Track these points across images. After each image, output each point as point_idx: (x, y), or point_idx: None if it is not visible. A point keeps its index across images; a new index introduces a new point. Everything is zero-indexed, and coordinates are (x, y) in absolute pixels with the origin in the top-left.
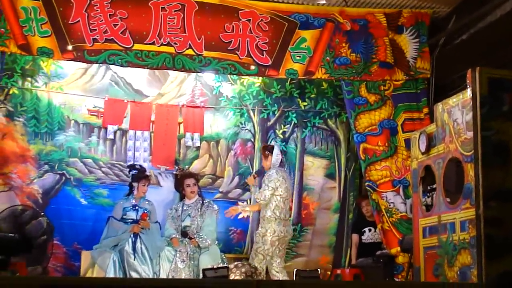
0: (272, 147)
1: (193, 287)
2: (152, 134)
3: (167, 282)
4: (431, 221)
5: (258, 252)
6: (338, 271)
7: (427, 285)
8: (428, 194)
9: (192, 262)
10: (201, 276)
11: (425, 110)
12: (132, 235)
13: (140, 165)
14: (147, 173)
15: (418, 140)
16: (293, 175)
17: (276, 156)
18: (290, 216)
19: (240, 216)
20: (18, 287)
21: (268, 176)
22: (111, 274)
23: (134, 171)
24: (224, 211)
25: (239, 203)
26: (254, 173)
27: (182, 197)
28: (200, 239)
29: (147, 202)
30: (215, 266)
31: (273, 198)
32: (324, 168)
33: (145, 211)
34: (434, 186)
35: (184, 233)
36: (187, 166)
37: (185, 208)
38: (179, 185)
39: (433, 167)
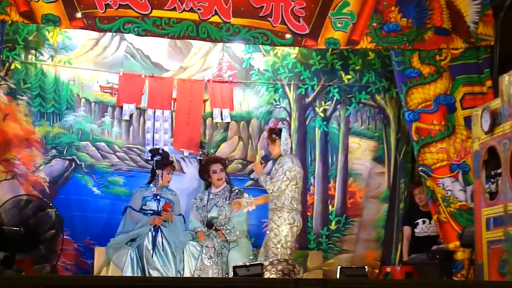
0: (280, 130)
1: (223, 287)
2: (173, 114)
3: (193, 281)
4: (496, 211)
5: (270, 246)
6: (388, 269)
7: (492, 285)
8: (492, 179)
9: (221, 258)
10: (231, 274)
11: (488, 83)
12: (152, 229)
13: (163, 150)
14: (171, 159)
15: (480, 117)
16: (335, 158)
17: (285, 140)
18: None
19: (245, 210)
20: None
21: (282, 165)
22: (128, 273)
23: (158, 157)
24: (230, 205)
25: (245, 195)
26: (260, 159)
27: (208, 185)
28: (227, 231)
29: (169, 192)
30: (247, 263)
31: (289, 189)
32: (372, 150)
33: (168, 201)
34: (499, 170)
35: (209, 224)
36: (213, 150)
37: (211, 197)
38: (204, 171)
39: (498, 149)
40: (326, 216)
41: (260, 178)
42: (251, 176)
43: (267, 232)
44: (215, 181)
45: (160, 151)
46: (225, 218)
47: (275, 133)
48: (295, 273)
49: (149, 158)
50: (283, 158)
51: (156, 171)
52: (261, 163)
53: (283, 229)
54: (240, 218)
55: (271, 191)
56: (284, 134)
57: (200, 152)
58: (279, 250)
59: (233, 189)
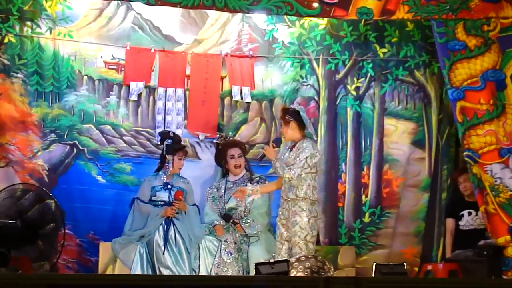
0: (296, 112)
1: (244, 286)
2: (187, 93)
3: (211, 280)
4: None
5: (296, 242)
6: (429, 267)
7: None
8: None
9: (241, 254)
10: (253, 272)
11: None
12: (164, 222)
13: (174, 133)
14: (183, 143)
15: None
16: (369, 142)
17: (309, 123)
18: None
19: (250, 199)
20: None
21: (303, 150)
22: (137, 271)
23: (168, 141)
24: (232, 193)
25: (248, 184)
26: (272, 142)
27: (226, 173)
28: (247, 224)
29: (181, 180)
30: (271, 260)
31: (309, 177)
32: (410, 133)
33: (179, 190)
34: None
35: (227, 217)
36: (231, 133)
37: (229, 186)
38: (221, 157)
39: None
40: (359, 207)
41: (275, 164)
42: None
43: (285, 226)
44: (232, 167)
45: (171, 134)
46: (245, 209)
47: (289, 113)
48: (325, 271)
49: (159, 143)
50: (303, 143)
51: (166, 156)
52: (273, 147)
53: (307, 222)
54: (261, 209)
55: (289, 179)
56: (302, 115)
57: (218, 135)
58: (303, 245)
59: (253, 177)
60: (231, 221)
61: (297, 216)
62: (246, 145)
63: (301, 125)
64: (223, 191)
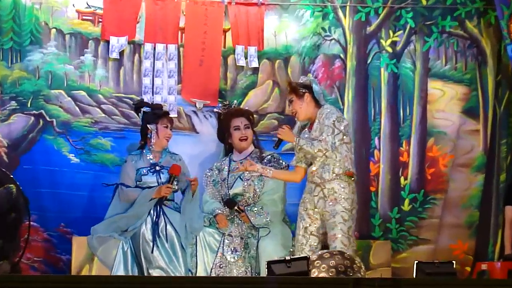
0: (307, 86)
1: None
2: (181, 50)
3: (211, 282)
4: None
5: (337, 236)
6: (484, 266)
7: None
8: None
9: (248, 251)
10: (264, 272)
11: None
12: (153, 211)
13: (153, 103)
14: (175, 111)
15: None
16: (409, 111)
17: (322, 96)
18: None
19: (256, 181)
20: None
21: (325, 115)
22: (120, 272)
23: (146, 109)
24: (234, 167)
25: (258, 165)
26: (285, 125)
27: (229, 150)
28: (253, 212)
29: (171, 157)
30: (287, 258)
31: (344, 148)
32: (461, 99)
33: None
34: None
35: (230, 203)
36: (237, 101)
37: (233, 166)
38: (223, 130)
39: None
40: (397, 192)
41: (299, 143)
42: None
43: (313, 217)
44: (237, 141)
45: (148, 101)
46: (254, 196)
47: (301, 86)
48: (354, 270)
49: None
50: (323, 109)
51: (148, 126)
52: (288, 127)
53: (350, 210)
54: (274, 194)
55: (323, 152)
56: (315, 88)
57: (220, 103)
58: (346, 239)
59: (264, 155)
60: (235, 208)
61: (337, 204)
62: (254, 115)
63: (316, 100)
64: (226, 173)
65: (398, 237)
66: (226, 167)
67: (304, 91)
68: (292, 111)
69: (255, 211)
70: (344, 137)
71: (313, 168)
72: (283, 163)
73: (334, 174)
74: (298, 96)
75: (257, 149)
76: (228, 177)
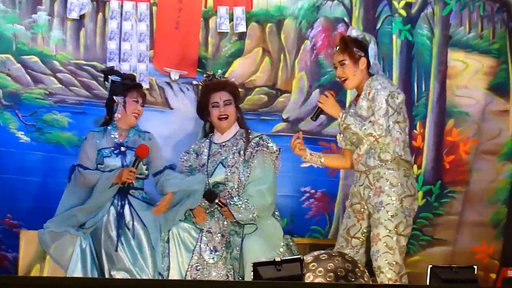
0: (364, 46)
1: None
2: (154, 9)
3: (185, 285)
4: None
5: (381, 235)
6: (511, 272)
7: None
8: None
9: (231, 252)
10: (249, 276)
11: None
12: (117, 201)
13: (124, 73)
14: (147, 82)
15: None
16: (426, 86)
17: (374, 56)
18: None
19: (304, 165)
20: None
21: (379, 90)
22: (77, 274)
23: (115, 78)
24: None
25: (270, 145)
26: (328, 91)
27: (210, 131)
28: (237, 207)
29: (141, 136)
30: (276, 259)
31: (396, 129)
32: (487, 74)
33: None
34: None
35: (210, 195)
36: (221, 71)
37: (214, 150)
38: (203, 106)
39: None
40: None
41: (345, 121)
42: (285, 115)
43: (360, 214)
44: (216, 121)
45: (118, 69)
46: (238, 186)
47: (359, 45)
48: (356, 275)
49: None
50: (372, 81)
51: (115, 98)
52: (332, 95)
53: (399, 203)
54: (262, 185)
55: (376, 136)
56: (372, 49)
57: (203, 76)
58: (392, 241)
59: (251, 136)
60: (216, 201)
61: (382, 194)
62: (240, 89)
63: (369, 63)
64: (205, 157)
65: (410, 237)
66: (205, 151)
67: (361, 54)
68: (341, 76)
69: (238, 205)
70: (399, 116)
71: (359, 151)
72: (274, 147)
73: (379, 160)
74: (353, 60)
75: (244, 130)
76: (208, 162)
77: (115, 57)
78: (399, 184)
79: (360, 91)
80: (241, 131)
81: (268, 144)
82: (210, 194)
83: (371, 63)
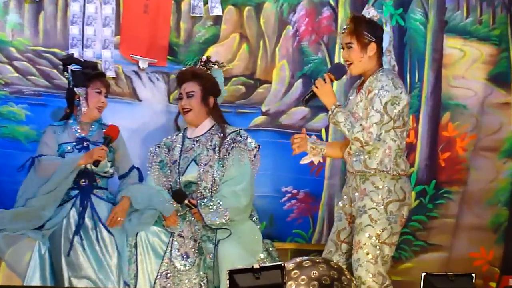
0: (377, 30)
1: None
2: None
3: None
4: None
5: (363, 243)
6: None
7: None
8: None
9: (203, 258)
10: (224, 285)
11: None
12: (79, 201)
13: (84, 60)
14: (112, 70)
15: None
16: (419, 76)
17: (389, 42)
18: None
19: (304, 161)
20: None
21: (379, 92)
22: (35, 282)
23: (75, 66)
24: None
25: (249, 141)
26: (329, 72)
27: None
28: (208, 209)
29: (104, 130)
30: (255, 266)
31: (391, 136)
32: (486, 63)
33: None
34: None
35: (178, 195)
36: (194, 59)
37: (187, 145)
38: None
39: None
40: None
41: (336, 116)
42: (265, 108)
43: (350, 216)
44: (182, 114)
45: (79, 58)
46: (212, 185)
47: (371, 27)
48: (343, 284)
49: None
50: (377, 79)
51: (76, 90)
52: (331, 79)
53: (384, 209)
54: (237, 185)
55: (363, 144)
56: (388, 33)
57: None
58: (373, 249)
59: (227, 131)
60: (186, 202)
61: (367, 198)
62: (213, 76)
63: (381, 50)
64: (178, 153)
65: (400, 242)
66: (178, 146)
67: (371, 39)
68: (346, 59)
69: (210, 207)
70: (396, 122)
71: (350, 150)
72: (252, 144)
73: (364, 167)
74: (361, 44)
75: (219, 125)
76: (180, 159)
77: (77, 43)
78: (386, 187)
79: (366, 78)
80: (216, 126)
81: (246, 141)
82: (179, 195)
83: (384, 49)
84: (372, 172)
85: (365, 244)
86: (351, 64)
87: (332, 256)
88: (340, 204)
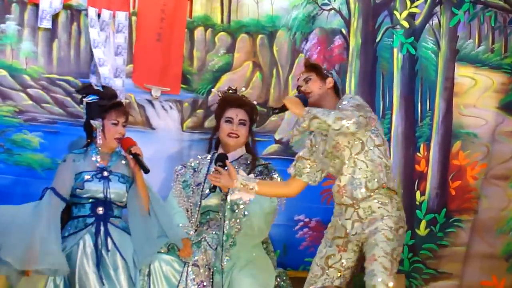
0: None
1: None
2: (133, 19)
3: None
4: None
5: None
6: None
7: None
8: None
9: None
10: None
11: None
12: (94, 229)
13: (102, 85)
14: (123, 99)
15: None
16: (430, 105)
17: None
18: None
19: (234, 197)
20: None
21: (349, 100)
22: None
23: (91, 97)
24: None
25: (275, 176)
26: (297, 94)
27: (215, 146)
28: (226, 253)
29: (124, 163)
30: None
31: (376, 153)
32: (498, 91)
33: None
34: None
35: (222, 157)
36: (244, 89)
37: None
38: (216, 118)
39: None
40: (411, 211)
41: (312, 111)
42: (278, 137)
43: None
44: (225, 137)
45: (97, 87)
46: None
47: (326, 71)
48: None
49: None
50: (343, 100)
51: (92, 123)
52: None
53: (396, 231)
54: (256, 216)
55: (344, 123)
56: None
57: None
58: (388, 263)
59: (257, 163)
60: (221, 163)
61: (378, 222)
62: (252, 104)
63: (338, 90)
64: (203, 176)
65: (411, 270)
66: (204, 168)
67: (328, 73)
68: (305, 89)
69: (227, 251)
70: (377, 138)
71: (340, 183)
72: (278, 178)
73: (367, 191)
74: (319, 76)
75: (249, 155)
76: (204, 182)
77: (91, 72)
78: (394, 216)
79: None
80: (246, 155)
81: (273, 175)
82: (223, 157)
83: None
84: (376, 196)
85: (380, 257)
86: (310, 93)
87: (317, 280)
88: (330, 235)
